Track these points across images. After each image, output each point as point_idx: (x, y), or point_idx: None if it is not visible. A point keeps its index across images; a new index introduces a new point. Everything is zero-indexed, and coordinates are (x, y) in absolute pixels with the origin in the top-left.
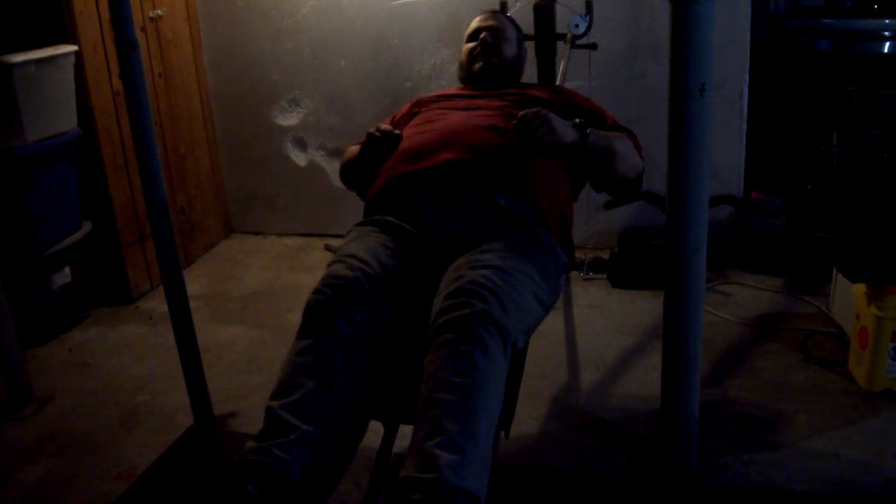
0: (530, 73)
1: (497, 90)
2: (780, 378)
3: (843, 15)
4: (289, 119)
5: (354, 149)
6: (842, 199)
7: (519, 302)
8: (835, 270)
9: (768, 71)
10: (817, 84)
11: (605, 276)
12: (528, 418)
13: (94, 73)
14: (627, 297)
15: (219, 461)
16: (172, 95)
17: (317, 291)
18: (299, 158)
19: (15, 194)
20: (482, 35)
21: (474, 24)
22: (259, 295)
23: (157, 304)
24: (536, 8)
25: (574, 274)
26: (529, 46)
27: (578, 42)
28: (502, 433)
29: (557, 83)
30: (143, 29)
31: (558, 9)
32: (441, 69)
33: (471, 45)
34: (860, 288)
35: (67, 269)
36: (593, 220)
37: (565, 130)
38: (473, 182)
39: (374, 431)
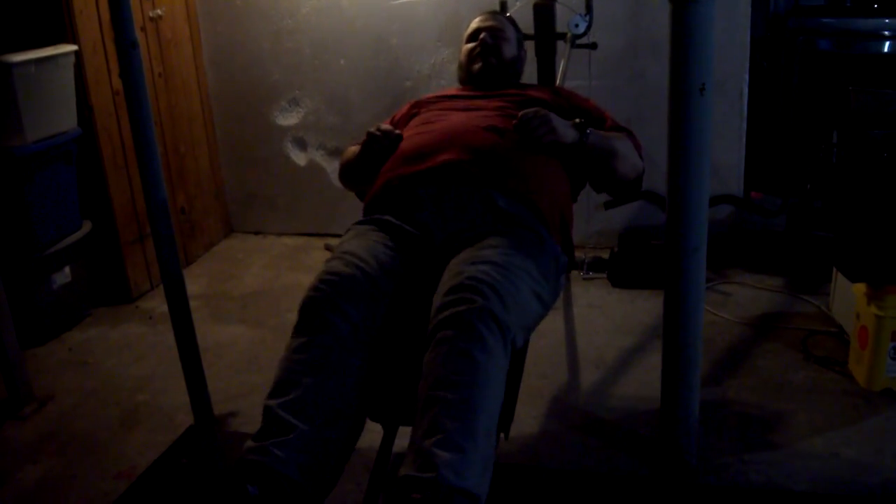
0: (530, 73)
1: (496, 91)
2: (780, 377)
3: (844, 14)
4: (289, 119)
5: (354, 149)
6: (842, 198)
7: (519, 299)
8: (835, 270)
9: (768, 70)
10: (817, 83)
11: (605, 275)
12: (528, 418)
13: (93, 73)
14: (627, 297)
15: (219, 461)
16: (172, 95)
17: (313, 288)
18: (299, 158)
19: (15, 194)
20: (482, 36)
21: (474, 24)
22: (259, 294)
23: (157, 303)
24: (536, 7)
25: (574, 273)
26: (529, 46)
27: (578, 41)
28: (501, 435)
29: (557, 82)
30: (143, 28)
31: (558, 8)
32: (441, 69)
33: (470, 45)
34: (860, 287)
35: (67, 269)
36: (593, 219)
37: (565, 130)
38: (473, 183)
39: (375, 431)
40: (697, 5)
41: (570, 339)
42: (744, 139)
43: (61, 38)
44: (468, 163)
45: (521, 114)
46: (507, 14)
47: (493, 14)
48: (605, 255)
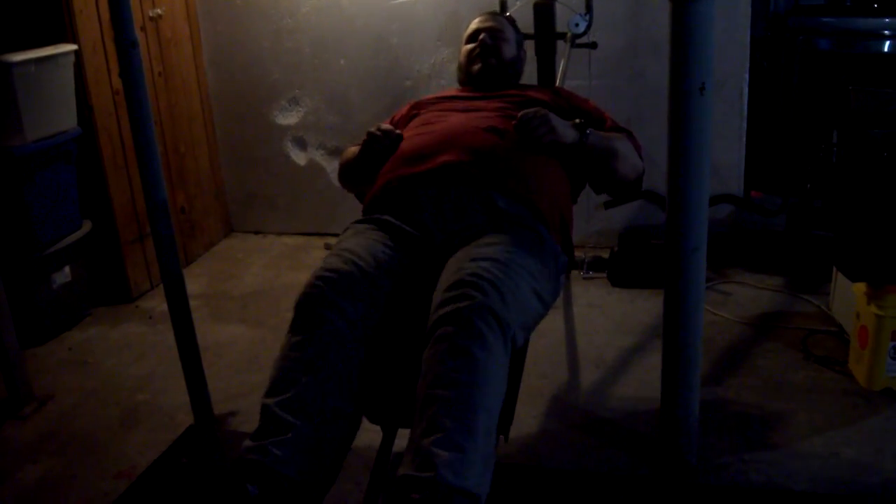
0: (530, 72)
1: (496, 91)
2: (780, 377)
3: (844, 14)
4: (289, 118)
5: (354, 149)
6: (842, 198)
7: (519, 296)
8: (835, 269)
9: (768, 70)
10: (817, 83)
11: (605, 275)
12: (528, 417)
13: (93, 73)
14: (627, 296)
15: (219, 460)
16: (172, 95)
17: (309, 285)
18: (299, 157)
19: (14, 194)
20: (481, 36)
21: (473, 25)
22: (259, 294)
23: (157, 303)
24: (536, 7)
25: (574, 273)
26: (529, 45)
27: (578, 41)
28: (501, 437)
29: (557, 82)
30: (143, 28)
31: (558, 8)
32: (441, 68)
33: (470, 46)
34: (860, 287)
35: (67, 269)
36: (593, 218)
37: (565, 130)
38: (473, 184)
39: (374, 430)
40: (697, 5)
41: (570, 339)
42: (744, 139)
43: (61, 38)
44: (468, 164)
45: (520, 114)
46: (507, 14)
47: (492, 15)
48: (605, 254)
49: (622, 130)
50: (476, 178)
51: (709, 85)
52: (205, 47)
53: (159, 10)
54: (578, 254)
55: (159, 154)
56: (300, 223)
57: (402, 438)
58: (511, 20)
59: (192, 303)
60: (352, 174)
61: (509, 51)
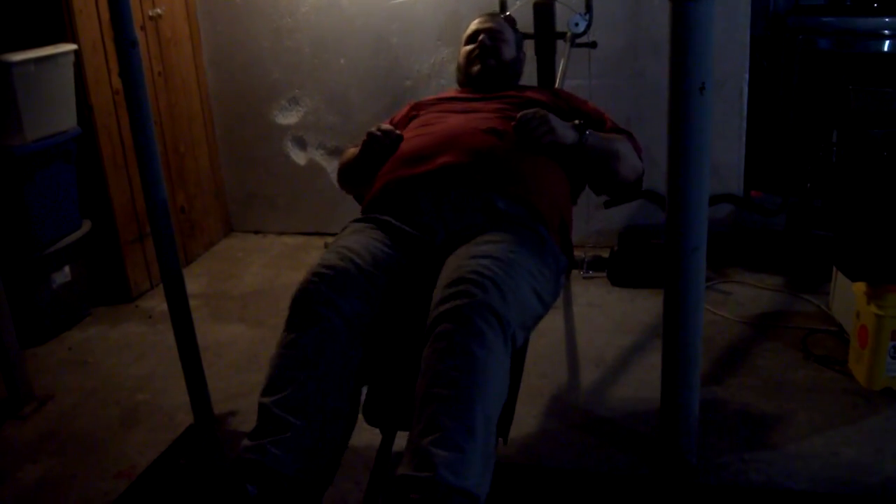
0: (530, 72)
1: (495, 93)
2: (780, 376)
3: (843, 13)
4: (288, 118)
5: (353, 150)
6: (842, 197)
7: (519, 294)
8: (835, 269)
9: (768, 69)
10: (817, 82)
11: (604, 274)
12: (527, 417)
13: (93, 72)
14: (627, 296)
15: (219, 460)
16: (172, 94)
17: (304, 282)
18: (299, 157)
19: (14, 193)
20: (480, 37)
21: (472, 26)
22: (259, 294)
23: (157, 302)
24: (536, 6)
25: (574, 272)
26: (529, 45)
27: (578, 41)
28: (500, 440)
29: (557, 82)
30: (143, 28)
31: (558, 7)
32: (441, 68)
33: (469, 47)
34: (860, 286)
35: (67, 268)
36: (593, 218)
37: (565, 131)
38: (472, 186)
39: (374, 430)
40: (697, 5)
41: (569, 339)
42: (744, 138)
43: (61, 38)
44: (467, 165)
45: (519, 114)
46: (507, 13)
47: (491, 16)
48: (605, 254)
49: (622, 132)
50: (475, 179)
51: (709, 84)
52: (204, 47)
53: (159, 10)
54: (578, 253)
55: (159, 154)
56: (300, 223)
57: (402, 438)
58: (511, 21)
59: (192, 302)
60: (351, 175)
61: (508, 52)
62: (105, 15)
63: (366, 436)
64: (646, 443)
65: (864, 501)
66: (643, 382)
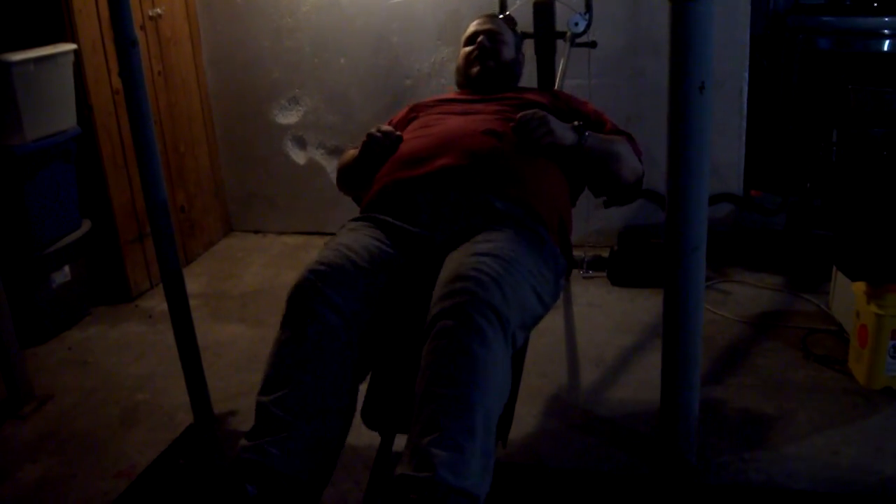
0: (530, 72)
1: (494, 94)
2: (780, 376)
3: (843, 13)
4: (288, 117)
5: (353, 152)
6: (841, 197)
7: (519, 292)
8: (834, 268)
9: (768, 69)
10: (817, 82)
11: (604, 274)
12: (527, 416)
13: (93, 72)
14: (627, 296)
15: (218, 459)
16: (172, 94)
17: (300, 278)
18: (299, 157)
19: (14, 193)
20: (479, 39)
21: (471, 28)
22: (259, 293)
23: (157, 302)
24: (536, 6)
25: (574, 272)
26: (529, 45)
27: (578, 40)
28: (499, 443)
29: (557, 81)
30: (143, 27)
31: (558, 7)
32: (441, 67)
33: (468, 49)
34: (860, 286)
35: (67, 268)
36: (593, 218)
37: (564, 132)
38: (471, 188)
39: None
40: (697, 4)
41: (569, 338)
42: (743, 138)
43: (61, 37)
44: (466, 167)
45: (519, 115)
46: (507, 13)
47: (490, 17)
48: (605, 253)
49: (622, 133)
50: (474, 181)
51: (708, 84)
52: (204, 46)
53: (159, 10)
54: (578, 253)
55: (159, 153)
56: (300, 222)
57: (401, 438)
58: (510, 21)
59: (192, 302)
60: (350, 177)
61: (508, 53)
62: (105, 14)
63: (366, 436)
64: (646, 443)
65: (864, 501)
66: (643, 382)
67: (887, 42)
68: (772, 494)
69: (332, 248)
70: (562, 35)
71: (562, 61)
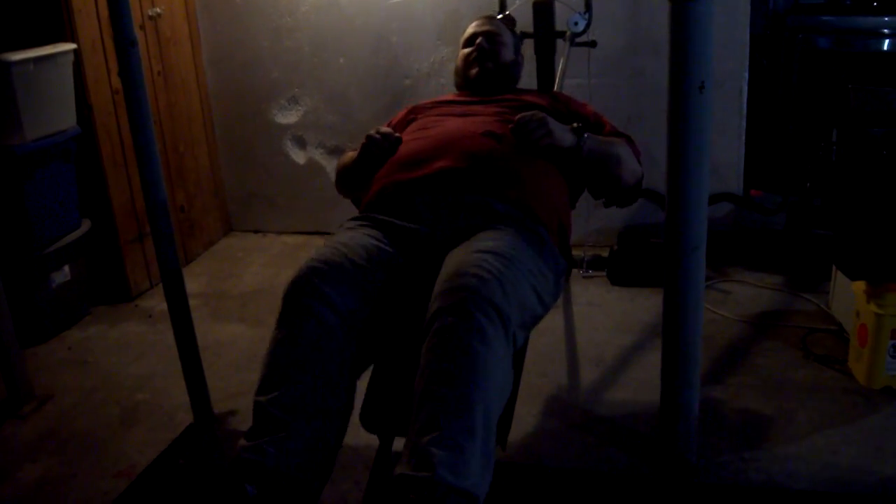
0: (530, 71)
1: (493, 96)
2: (780, 376)
3: (843, 12)
4: (288, 117)
5: (351, 154)
6: (841, 196)
7: (519, 291)
8: (834, 268)
9: (768, 68)
10: (817, 81)
11: (604, 273)
12: (527, 416)
13: (93, 72)
14: (627, 295)
15: (218, 459)
16: (172, 94)
17: (296, 275)
18: (299, 156)
19: (14, 192)
20: (478, 40)
21: (470, 29)
22: (259, 293)
23: (157, 302)
24: (535, 6)
25: (574, 271)
26: (528, 44)
27: (578, 40)
28: (498, 446)
29: (557, 81)
30: (142, 27)
31: (557, 6)
32: (440, 67)
33: (467, 50)
34: (860, 285)
35: (67, 268)
36: (593, 217)
37: (563, 134)
38: (470, 190)
39: None
40: (697, 4)
41: (569, 338)
42: (743, 137)
43: (60, 37)
44: (465, 169)
45: (517, 117)
46: (507, 12)
47: (489, 19)
48: (605, 253)
49: (621, 135)
50: (473, 183)
51: (708, 83)
52: (204, 46)
53: (158, 9)
54: (578, 252)
55: (158, 153)
56: (300, 222)
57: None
58: (509, 22)
59: (192, 302)
60: (349, 179)
61: (507, 55)
62: (104, 14)
63: (365, 436)
64: (646, 442)
65: (864, 501)
66: (643, 382)
67: (887, 41)
68: (771, 494)
69: (329, 245)
70: (561, 34)
71: (561, 61)
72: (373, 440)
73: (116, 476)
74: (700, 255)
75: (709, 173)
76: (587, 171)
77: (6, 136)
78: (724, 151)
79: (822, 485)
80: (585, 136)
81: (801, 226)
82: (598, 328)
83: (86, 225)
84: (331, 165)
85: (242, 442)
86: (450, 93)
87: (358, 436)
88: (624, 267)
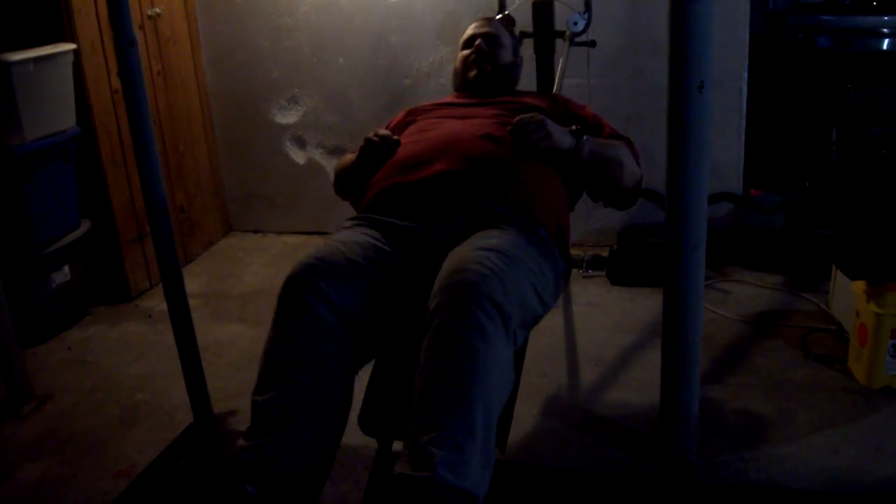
0: (529, 71)
1: (492, 98)
2: (780, 375)
3: (843, 12)
4: (288, 117)
5: (350, 156)
6: (841, 196)
7: (520, 289)
8: (834, 267)
9: (767, 68)
10: (816, 81)
11: (604, 273)
12: (527, 416)
13: (92, 72)
14: (627, 295)
15: (218, 459)
16: (171, 94)
17: (292, 272)
18: (298, 156)
19: (14, 192)
20: (477, 42)
21: (469, 31)
22: (258, 293)
23: (157, 302)
24: (535, 5)
25: (574, 271)
26: (528, 44)
27: (577, 39)
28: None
29: (556, 81)
30: (142, 27)
31: (557, 6)
32: (440, 67)
33: (465, 52)
34: (859, 285)
35: (66, 268)
36: (592, 217)
37: (561, 136)
38: (469, 193)
39: None
40: (697, 4)
41: (569, 338)
42: (743, 137)
43: (60, 37)
44: (463, 172)
45: (516, 119)
46: (506, 12)
47: (488, 20)
48: (605, 252)
49: (620, 138)
50: (472, 186)
51: (708, 83)
52: (204, 46)
53: (158, 9)
54: (578, 252)
55: (158, 153)
56: (299, 222)
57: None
58: (509, 23)
59: (192, 302)
60: (348, 181)
61: (505, 56)
62: (104, 14)
63: (365, 436)
64: (646, 442)
65: (864, 501)
66: (643, 382)
67: (887, 41)
68: (771, 494)
69: (326, 243)
70: (561, 34)
71: (561, 61)
72: (372, 440)
73: (116, 476)
74: (700, 254)
75: (708, 173)
76: (586, 174)
77: (6, 136)
78: (724, 151)
79: (822, 485)
80: (584, 138)
81: (801, 225)
82: (598, 328)
83: (85, 225)
84: (330, 165)
85: (241, 442)
86: (448, 94)
87: (357, 436)
88: (624, 267)
